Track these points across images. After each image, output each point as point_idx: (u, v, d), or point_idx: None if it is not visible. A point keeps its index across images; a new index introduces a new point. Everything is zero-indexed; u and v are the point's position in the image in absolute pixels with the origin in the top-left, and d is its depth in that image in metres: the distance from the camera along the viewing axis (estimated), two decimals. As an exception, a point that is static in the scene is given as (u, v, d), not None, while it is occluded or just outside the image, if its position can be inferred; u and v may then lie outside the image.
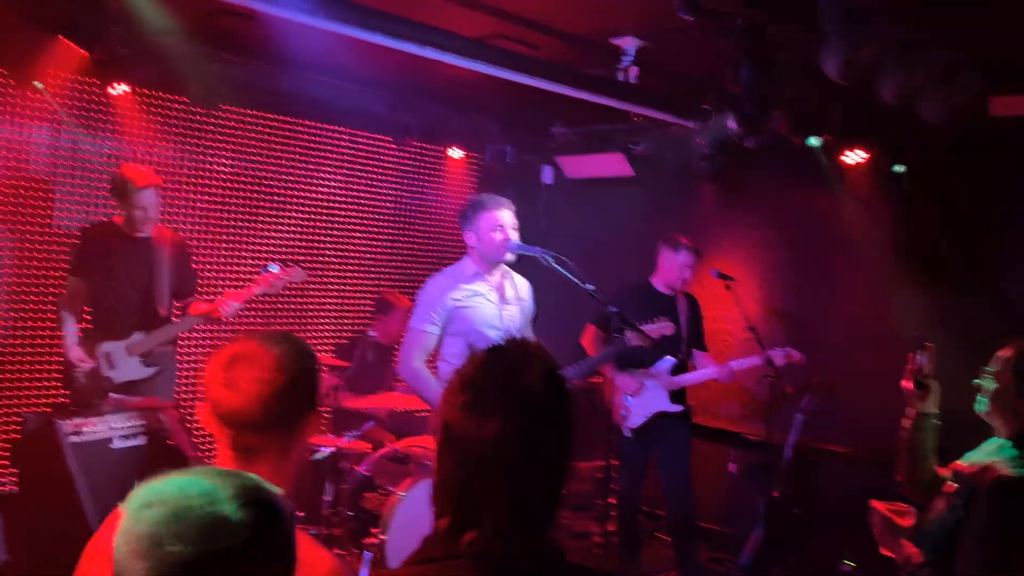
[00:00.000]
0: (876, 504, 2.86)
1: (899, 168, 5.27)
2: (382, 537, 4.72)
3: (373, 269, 6.81)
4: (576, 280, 3.89)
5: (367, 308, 6.58)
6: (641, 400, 5.11)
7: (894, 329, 5.15)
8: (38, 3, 3.79)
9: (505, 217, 4.08)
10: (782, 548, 5.22)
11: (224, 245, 5.93)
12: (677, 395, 5.16)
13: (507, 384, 1.46)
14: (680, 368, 5.17)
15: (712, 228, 6.13)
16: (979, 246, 5.20)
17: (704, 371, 5.18)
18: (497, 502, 1.42)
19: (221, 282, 5.86)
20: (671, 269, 5.20)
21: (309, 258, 6.29)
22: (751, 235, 6.12)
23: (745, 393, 6.16)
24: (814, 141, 5.11)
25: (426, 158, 7.13)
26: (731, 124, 4.95)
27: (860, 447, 5.38)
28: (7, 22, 4.18)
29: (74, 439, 3.49)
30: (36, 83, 4.88)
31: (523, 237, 4.13)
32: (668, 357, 5.13)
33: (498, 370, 1.49)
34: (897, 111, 4.02)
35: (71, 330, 4.61)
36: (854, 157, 5.35)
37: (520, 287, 4.30)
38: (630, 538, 5.17)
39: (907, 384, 2.89)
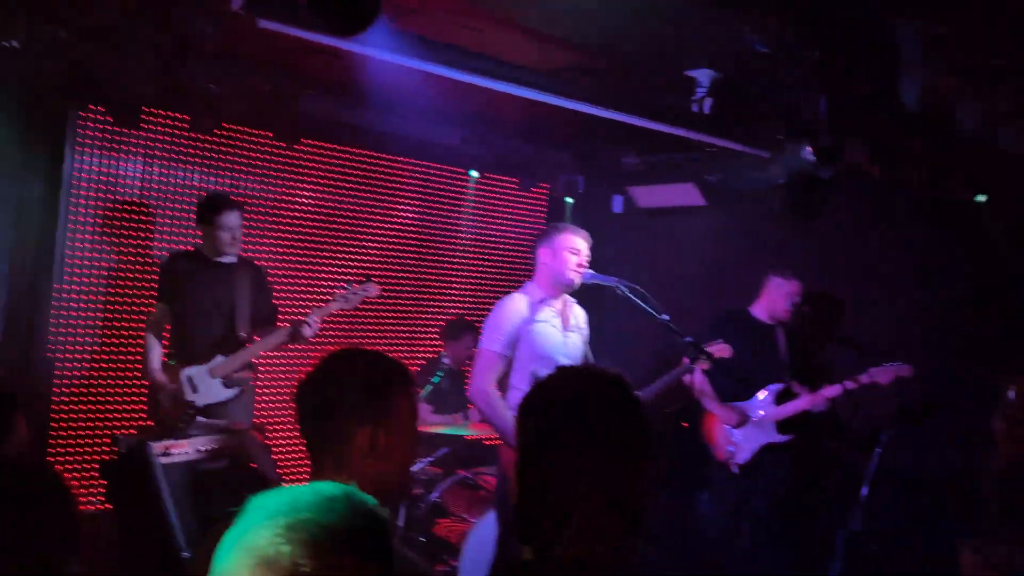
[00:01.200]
0: (964, 544, 2.78)
1: (981, 197, 5.14)
2: (454, 564, 4.76)
3: (447, 297, 6.91)
4: (651, 310, 3.90)
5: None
6: (747, 433, 5.01)
7: (980, 362, 5.00)
8: (138, 44, 3.99)
9: (582, 244, 4.14)
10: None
11: (304, 275, 6.10)
12: (784, 425, 5.06)
13: (585, 400, 1.53)
14: (785, 396, 5.08)
15: (788, 257, 6.05)
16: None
17: (798, 402, 5.08)
18: (581, 513, 1.46)
19: (302, 311, 6.02)
20: (780, 298, 5.15)
21: (384, 287, 6.41)
22: (829, 264, 6.02)
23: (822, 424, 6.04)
24: (892, 171, 5.03)
25: (498, 189, 7.24)
26: (806, 154, 4.92)
27: (946, 483, 5.22)
28: (104, 62, 4.42)
29: (164, 460, 3.62)
30: (133, 119, 5.13)
31: (594, 266, 4.17)
32: (771, 385, 5.06)
33: (575, 387, 1.56)
34: (979, 140, 3.95)
35: (155, 355, 4.82)
36: (933, 186, 5.25)
37: (579, 316, 4.32)
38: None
39: (997, 422, 2.83)
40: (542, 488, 1.49)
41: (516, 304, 4.11)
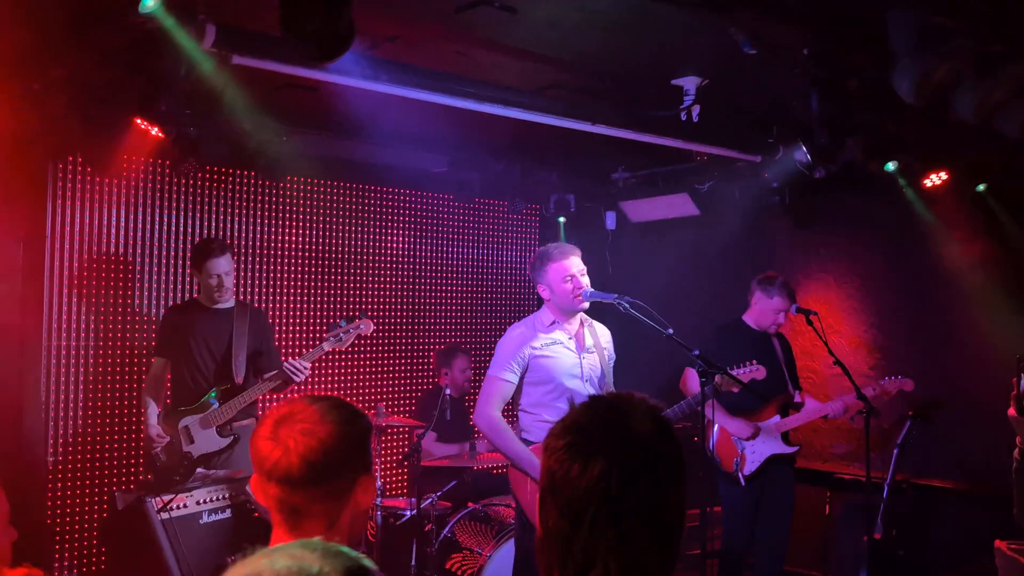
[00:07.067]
0: (1000, 544, 2.66)
1: (981, 187, 5.07)
2: (471, 601, 4.61)
3: (444, 326, 6.81)
4: (655, 324, 3.79)
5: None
6: (754, 444, 4.94)
7: (992, 354, 4.91)
8: (112, 91, 3.91)
9: (574, 265, 4.04)
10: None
11: (297, 313, 5.99)
12: (787, 436, 5.00)
13: (612, 426, 1.41)
14: (787, 407, 5.00)
15: (787, 262, 5.98)
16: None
17: (806, 413, 4.99)
18: (607, 550, 1.34)
19: (295, 350, 5.90)
20: (764, 313, 5.07)
21: (381, 319, 6.31)
22: (829, 266, 5.94)
23: (839, 430, 5.93)
24: (891, 166, 4.95)
25: (489, 212, 7.16)
26: (799, 156, 4.83)
27: (969, 481, 5.11)
28: (86, 110, 4.33)
29: (164, 516, 3.50)
30: (113, 166, 5.03)
31: (592, 284, 4.08)
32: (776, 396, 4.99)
33: (603, 413, 1.45)
34: (976, 129, 3.87)
35: (152, 411, 4.72)
36: (934, 179, 5.18)
37: (600, 335, 4.23)
38: None
39: (1012, 411, 2.72)
40: (565, 533, 1.37)
41: (524, 330, 4.08)
